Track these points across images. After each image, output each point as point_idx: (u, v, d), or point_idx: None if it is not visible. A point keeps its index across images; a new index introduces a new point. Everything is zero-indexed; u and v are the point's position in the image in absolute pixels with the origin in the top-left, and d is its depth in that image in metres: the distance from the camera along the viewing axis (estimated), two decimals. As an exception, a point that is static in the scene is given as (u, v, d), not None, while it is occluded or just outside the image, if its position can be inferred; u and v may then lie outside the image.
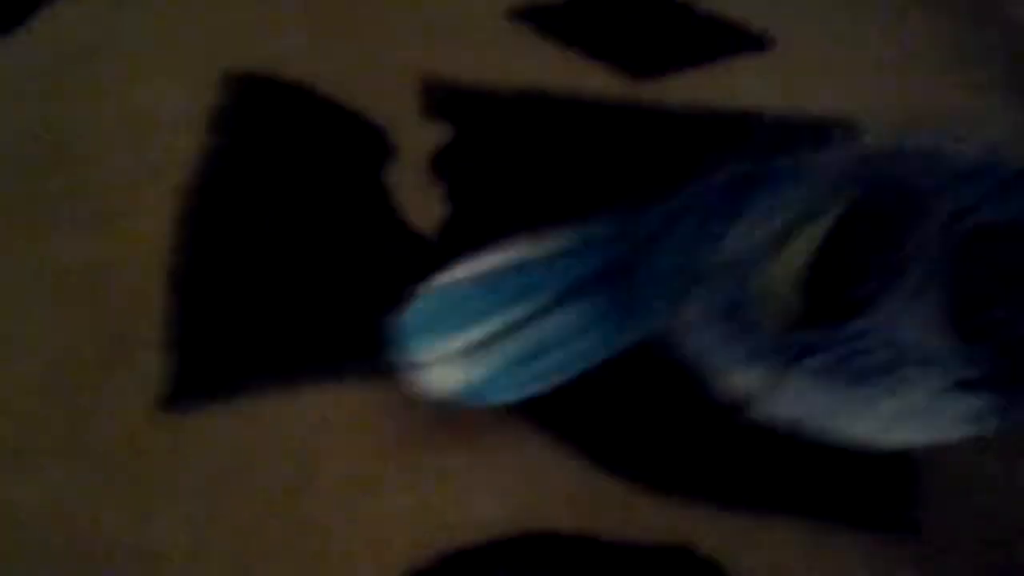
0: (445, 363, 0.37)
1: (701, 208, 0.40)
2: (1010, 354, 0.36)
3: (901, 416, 0.37)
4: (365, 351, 0.39)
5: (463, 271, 0.38)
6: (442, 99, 0.50)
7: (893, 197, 0.39)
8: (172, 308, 0.41)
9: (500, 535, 0.36)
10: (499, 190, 0.47)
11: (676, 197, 0.38)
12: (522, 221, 0.46)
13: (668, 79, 0.52)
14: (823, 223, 0.40)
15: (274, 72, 0.48)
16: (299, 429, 0.38)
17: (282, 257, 0.42)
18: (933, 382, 0.37)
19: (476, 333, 0.38)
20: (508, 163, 0.48)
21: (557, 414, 0.39)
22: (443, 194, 0.46)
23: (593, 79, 0.52)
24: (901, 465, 0.39)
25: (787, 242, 0.41)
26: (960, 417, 0.36)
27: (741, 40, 0.53)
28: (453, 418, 0.38)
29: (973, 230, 0.38)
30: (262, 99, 0.47)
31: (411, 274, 0.42)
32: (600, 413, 0.40)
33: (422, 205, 0.45)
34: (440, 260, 0.44)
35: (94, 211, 0.44)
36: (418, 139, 0.48)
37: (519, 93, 0.51)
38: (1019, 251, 0.38)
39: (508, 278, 0.39)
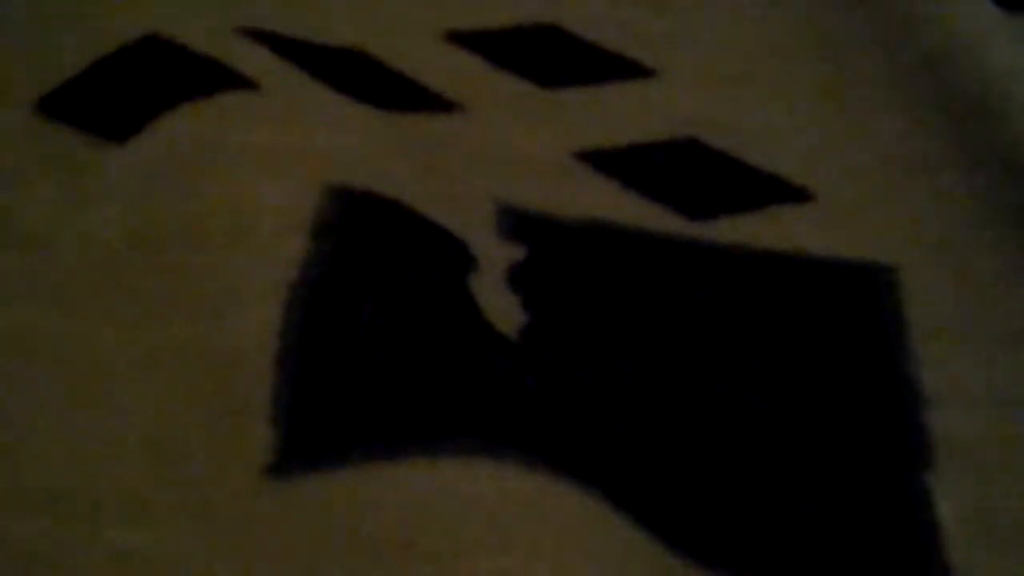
0: None
1: None
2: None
3: None
4: (459, 431, 0.43)
5: None
6: (514, 222, 0.55)
7: None
8: (279, 385, 0.45)
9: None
10: (571, 304, 0.52)
11: None
12: (594, 331, 0.50)
13: (720, 222, 0.57)
14: None
15: (370, 187, 0.52)
16: (399, 497, 0.42)
17: (380, 345, 0.46)
18: None
19: None
20: (578, 282, 0.53)
21: (632, 494, 0.44)
22: (520, 303, 0.51)
23: (652, 216, 0.56)
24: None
25: None
26: None
27: (785, 191, 0.58)
28: (547, 494, 0.42)
29: None
30: (359, 210, 0.51)
31: (498, 367, 0.47)
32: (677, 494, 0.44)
33: (501, 311, 0.50)
34: (522, 357, 0.48)
35: (204, 300, 0.48)
36: (494, 254, 0.53)
37: (585, 223, 0.55)
38: None
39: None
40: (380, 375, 0.45)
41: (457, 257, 0.51)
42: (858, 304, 0.53)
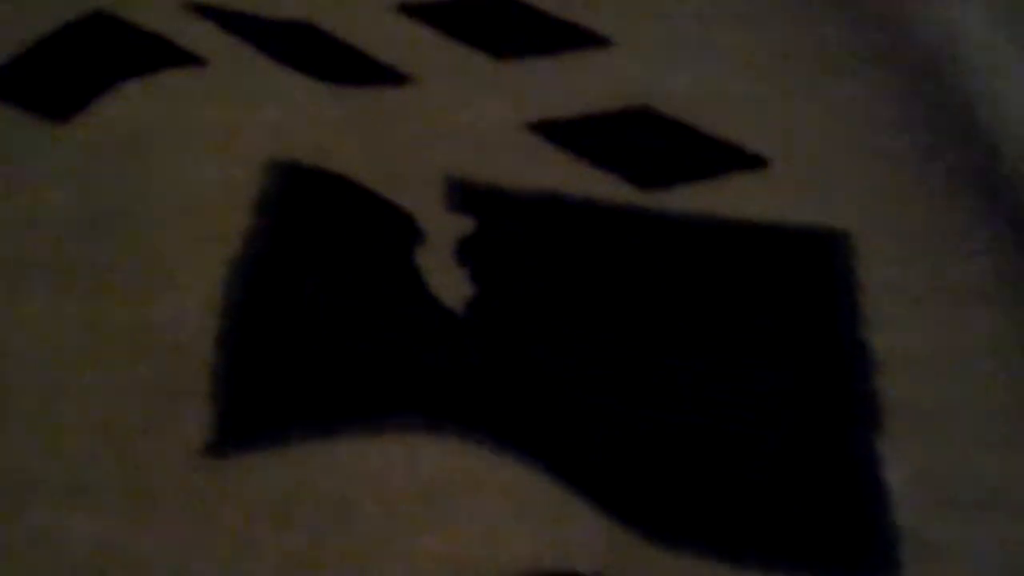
0: None
1: None
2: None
3: None
4: (400, 407, 0.43)
5: None
6: (463, 195, 0.54)
7: None
8: (219, 365, 0.44)
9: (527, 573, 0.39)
10: (520, 276, 0.51)
11: None
12: (543, 303, 0.50)
13: (673, 190, 0.56)
14: None
15: (315, 162, 0.52)
16: (338, 475, 0.41)
17: (322, 323, 0.46)
18: None
19: None
20: (527, 254, 0.52)
21: (581, 467, 0.43)
22: (468, 276, 0.50)
23: (603, 187, 0.56)
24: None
25: None
26: None
27: (739, 159, 0.58)
28: (485, 466, 0.42)
29: None
30: (304, 185, 0.51)
31: (441, 342, 0.46)
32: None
33: (449, 284, 0.49)
34: (467, 330, 0.48)
35: (145, 279, 0.47)
36: (442, 227, 0.52)
37: (535, 194, 0.55)
38: None
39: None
40: (320, 352, 0.45)
41: (403, 231, 0.51)
42: (810, 269, 0.53)
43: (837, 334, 0.50)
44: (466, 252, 0.51)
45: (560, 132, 0.58)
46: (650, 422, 0.47)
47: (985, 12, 0.61)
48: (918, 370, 0.48)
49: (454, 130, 0.57)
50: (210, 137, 0.52)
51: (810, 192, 0.56)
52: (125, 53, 0.56)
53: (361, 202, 0.51)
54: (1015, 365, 0.49)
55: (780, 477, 0.46)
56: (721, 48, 0.63)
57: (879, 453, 0.46)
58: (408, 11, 0.63)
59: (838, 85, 0.61)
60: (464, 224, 0.53)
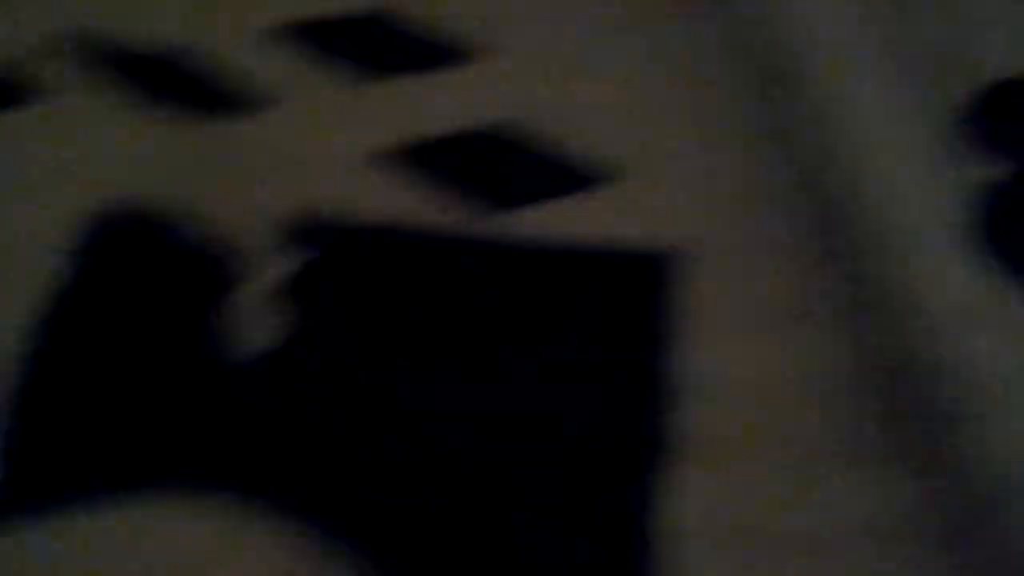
0: None
1: None
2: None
3: None
4: (177, 470, 0.42)
5: None
6: (305, 227, 0.53)
7: None
8: (7, 419, 0.44)
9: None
10: (352, 313, 0.50)
11: None
12: (383, 336, 0.49)
13: (525, 212, 0.55)
14: None
15: (145, 203, 0.51)
16: (94, 548, 0.41)
17: (125, 376, 0.45)
18: None
19: None
20: (366, 286, 0.51)
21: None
22: (302, 310, 0.49)
23: (448, 212, 0.55)
24: None
25: None
26: None
27: (597, 177, 0.57)
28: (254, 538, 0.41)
29: None
30: (129, 225, 0.50)
31: (247, 391, 0.46)
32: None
33: (280, 320, 0.49)
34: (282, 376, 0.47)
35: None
36: (281, 260, 0.51)
37: (378, 223, 0.54)
38: None
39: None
40: (109, 413, 0.44)
41: (232, 271, 0.50)
42: (637, 290, 0.51)
43: (645, 360, 0.49)
44: (302, 285, 0.51)
45: (414, 156, 0.57)
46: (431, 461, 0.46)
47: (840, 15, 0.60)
48: (725, 398, 0.47)
49: (302, 160, 0.56)
50: (33, 180, 0.52)
51: (654, 210, 0.54)
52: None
53: (186, 242, 0.50)
54: (826, 392, 0.47)
55: (565, 513, 0.45)
56: (600, 62, 0.62)
57: (673, 486, 0.45)
58: (279, 33, 0.63)
59: (697, 93, 0.59)
60: (304, 256, 0.52)
